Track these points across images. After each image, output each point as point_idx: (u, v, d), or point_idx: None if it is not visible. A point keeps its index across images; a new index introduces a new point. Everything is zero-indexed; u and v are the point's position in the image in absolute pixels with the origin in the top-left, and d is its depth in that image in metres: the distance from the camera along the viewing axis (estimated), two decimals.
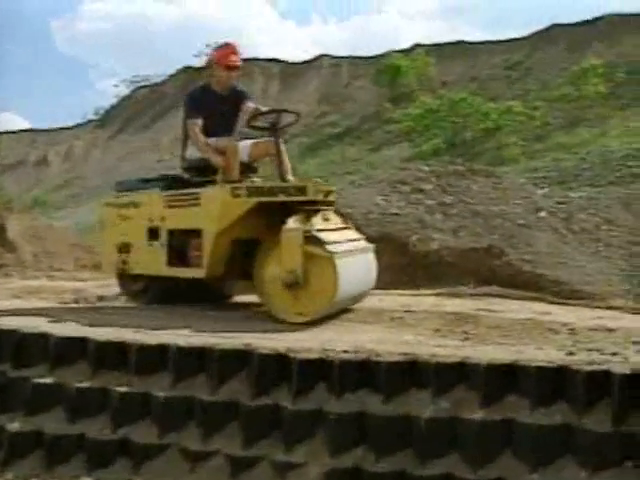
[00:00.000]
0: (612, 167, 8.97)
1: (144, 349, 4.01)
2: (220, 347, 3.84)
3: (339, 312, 4.84)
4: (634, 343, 3.78)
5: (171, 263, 5.32)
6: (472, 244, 6.24)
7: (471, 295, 5.59)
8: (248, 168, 5.56)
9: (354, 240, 5.08)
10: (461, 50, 36.90)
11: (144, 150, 40.46)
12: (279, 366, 3.67)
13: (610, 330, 4.22)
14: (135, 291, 5.89)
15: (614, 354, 3.51)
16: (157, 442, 3.74)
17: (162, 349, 3.97)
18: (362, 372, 3.53)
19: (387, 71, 35.48)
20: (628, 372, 3.20)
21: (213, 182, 5.22)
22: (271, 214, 4.86)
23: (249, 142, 5.55)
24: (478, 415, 3.31)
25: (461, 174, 7.53)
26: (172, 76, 47.11)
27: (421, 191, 7.19)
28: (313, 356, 3.63)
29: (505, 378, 3.36)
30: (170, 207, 5.34)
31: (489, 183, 7.41)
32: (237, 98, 5.71)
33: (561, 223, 6.93)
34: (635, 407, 3.16)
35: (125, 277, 5.87)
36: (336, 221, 5.10)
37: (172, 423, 3.78)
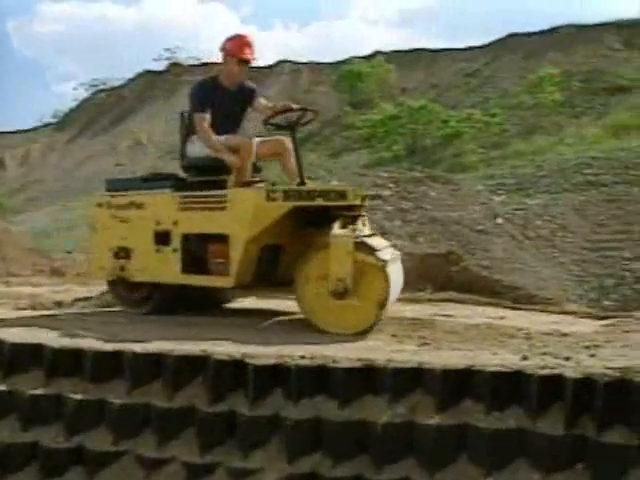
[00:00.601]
0: (567, 175, 9.13)
1: (99, 355, 3.96)
2: (176, 353, 3.81)
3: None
4: (586, 347, 3.84)
5: (187, 271, 4.94)
6: (430, 250, 6.30)
7: (429, 300, 5.64)
8: (252, 168, 5.24)
9: (387, 247, 4.81)
10: (421, 57, 37.18)
11: (103, 154, 40.01)
12: (235, 372, 3.65)
13: (564, 334, 4.29)
14: (134, 300, 5.41)
15: (567, 358, 3.56)
16: (112, 449, 3.70)
17: (118, 355, 3.93)
18: (318, 378, 3.53)
19: (347, 77, 35.59)
20: (580, 376, 3.25)
21: (219, 183, 4.94)
22: (296, 219, 4.64)
23: (257, 140, 5.26)
24: (434, 420, 3.33)
25: (419, 181, 7.59)
26: (132, 80, 46.68)
27: (380, 197, 7.23)
28: (269, 362, 3.62)
29: (460, 383, 3.39)
30: (185, 210, 4.95)
31: (447, 190, 7.48)
32: (245, 95, 5.41)
33: (517, 229, 7.03)
34: (586, 411, 3.22)
35: (121, 284, 5.41)
36: (368, 227, 4.89)
37: (128, 430, 3.74)
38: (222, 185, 4.95)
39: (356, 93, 35.65)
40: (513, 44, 29.72)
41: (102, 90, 51.69)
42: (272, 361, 3.62)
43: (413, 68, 36.70)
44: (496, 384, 3.34)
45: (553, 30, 29.02)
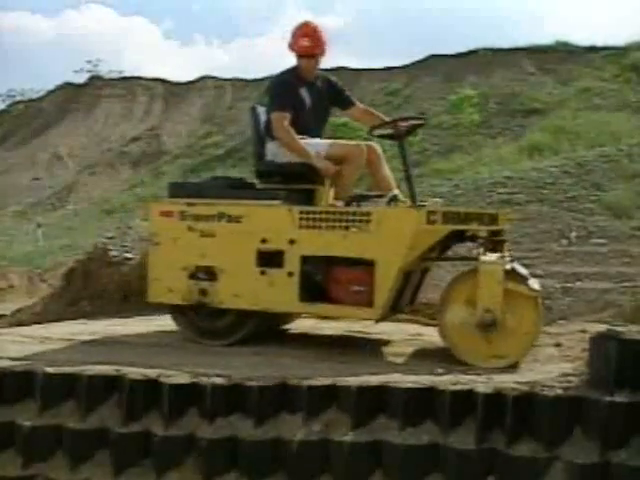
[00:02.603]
0: (483, 193, 9.38)
1: (9, 376, 3.84)
2: (88, 373, 3.73)
3: None
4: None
5: (306, 299, 4.27)
6: None
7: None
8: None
9: (529, 275, 4.29)
10: (342, 76, 37.53)
11: (20, 168, 38.97)
12: (150, 392, 3.60)
13: None
14: (212, 329, 4.58)
15: (478, 374, 3.65)
16: (21, 474, 3.61)
17: (28, 376, 3.82)
18: (233, 396, 3.52)
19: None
20: (490, 391, 3.34)
21: (309, 192, 4.49)
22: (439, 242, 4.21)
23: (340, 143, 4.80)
24: (349, 437, 3.36)
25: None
26: (51, 92, 45.65)
27: None
28: (184, 381, 3.59)
29: (375, 400, 3.44)
30: (307, 227, 4.24)
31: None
32: (329, 87, 4.89)
33: None
34: (497, 425, 3.31)
35: (195, 311, 4.59)
36: (508, 253, 4.36)
37: (38, 453, 3.65)
38: (311, 197, 4.51)
39: None
40: (433, 65, 30.38)
41: (19, 102, 50.44)
42: (187, 380, 3.59)
43: None
44: (410, 400, 3.39)
45: (472, 53, 29.80)
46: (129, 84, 42.55)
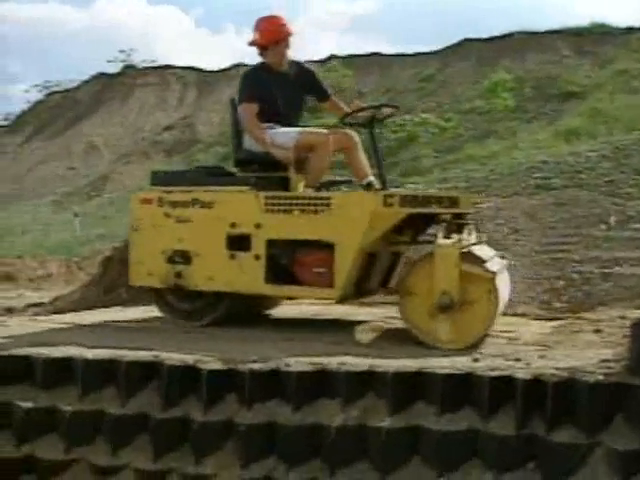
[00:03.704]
0: (519, 178, 9.24)
1: (50, 362, 3.91)
2: (128, 359, 3.78)
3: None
4: (536, 349, 3.90)
5: (272, 280, 4.44)
6: None
7: (382, 304, 5.66)
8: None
9: (494, 257, 4.45)
10: (375, 62, 37.33)
11: (55, 158, 39.43)
12: (188, 377, 3.64)
13: (514, 336, 4.35)
14: (188, 310, 4.83)
15: (517, 360, 3.62)
16: (64, 457, 3.66)
17: (68, 362, 3.88)
18: (271, 382, 3.54)
19: None
20: (530, 377, 3.31)
21: (283, 180, 4.60)
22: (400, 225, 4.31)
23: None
24: (386, 422, 3.35)
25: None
26: (86, 82, 46.09)
27: None
28: (222, 367, 3.61)
29: (412, 385, 3.43)
30: (273, 212, 4.44)
31: None
32: (305, 79, 4.99)
33: None
34: (537, 411, 3.28)
35: (173, 293, 4.82)
36: (475, 235, 4.49)
37: (79, 437, 3.70)
38: (286, 184, 4.61)
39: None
40: (466, 50, 30.07)
41: (55, 92, 50.98)
42: (224, 366, 3.61)
43: (368, 72, 36.87)
44: (447, 386, 3.38)
45: (506, 36, 29.42)
46: (162, 73, 42.76)
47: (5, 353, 4.03)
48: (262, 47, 4.88)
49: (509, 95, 23.21)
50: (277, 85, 4.81)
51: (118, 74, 43.45)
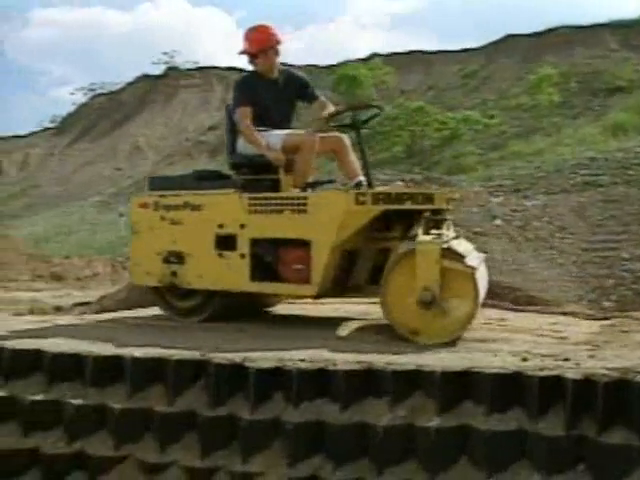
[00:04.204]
0: (565, 175, 9.13)
1: (99, 360, 3.97)
2: (176, 358, 3.81)
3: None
4: (585, 348, 3.84)
5: (256, 278, 4.63)
6: None
7: None
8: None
9: (472, 251, 4.56)
10: (418, 59, 37.22)
11: (101, 159, 40.01)
12: (236, 376, 3.65)
13: (563, 336, 4.29)
14: (185, 308, 5.09)
15: (567, 359, 3.56)
16: (113, 454, 3.70)
17: (117, 360, 3.94)
18: (319, 381, 3.53)
19: (345, 80, 35.62)
20: (580, 377, 3.25)
21: (274, 182, 4.69)
22: (378, 222, 4.44)
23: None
24: (434, 422, 3.33)
25: (418, 183, 7.59)
26: (130, 84, 46.70)
27: None
28: (269, 365, 3.62)
29: (461, 385, 3.39)
30: (255, 212, 4.63)
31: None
32: (294, 85, 5.16)
33: (516, 231, 7.03)
34: (587, 411, 3.22)
35: (170, 292, 5.10)
36: (453, 230, 4.65)
37: (128, 435, 3.74)
38: (277, 185, 4.73)
39: (354, 96, 35.68)
40: (510, 45, 29.76)
41: (100, 94, 51.68)
42: (272, 364, 3.62)
43: (410, 70, 36.75)
44: (496, 386, 3.33)
45: (550, 31, 29.05)
46: (205, 74, 43.11)
47: (56, 351, 4.10)
48: (252, 55, 5.08)
49: (554, 90, 22.90)
50: (267, 91, 5.01)
51: (162, 76, 43.93)
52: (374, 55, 39.53)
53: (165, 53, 44.79)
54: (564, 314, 5.20)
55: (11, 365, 4.16)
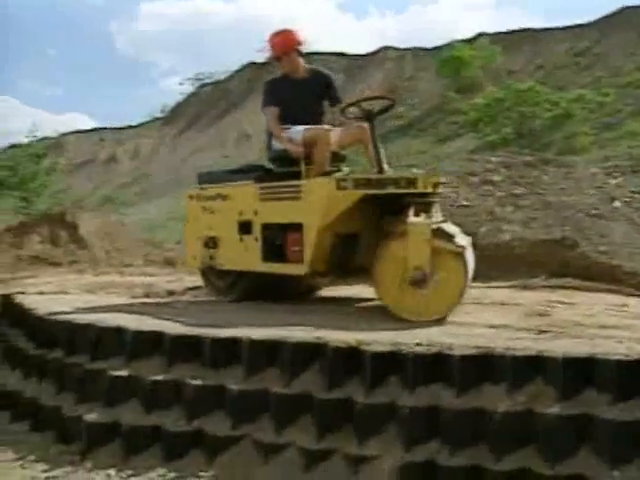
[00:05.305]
0: None
1: (217, 342, 4.07)
2: (292, 340, 3.86)
3: None
4: None
5: (267, 259, 5.12)
6: (544, 236, 6.12)
7: (544, 287, 5.49)
8: (336, 157, 5.33)
9: (460, 233, 4.76)
10: (526, 38, 36.18)
11: (210, 147, 40.93)
12: (351, 359, 3.66)
13: None
14: (222, 287, 5.69)
15: None
16: (231, 434, 3.77)
17: (235, 342, 4.02)
18: (435, 365, 3.49)
19: (451, 62, 35.06)
20: None
21: (298, 173, 5.00)
22: (374, 207, 4.70)
23: (338, 129, 5.35)
24: (555, 409, 3.23)
25: (532, 165, 7.39)
26: (237, 72, 47.52)
27: (491, 182, 7.08)
28: (385, 349, 3.61)
29: (583, 372, 3.28)
30: (265, 200, 5.13)
31: (561, 173, 7.25)
32: (320, 83, 5.53)
33: (636, 213, 6.73)
34: None
35: (210, 273, 5.72)
36: (440, 214, 4.89)
37: (245, 415, 3.81)
38: (300, 176, 5.01)
39: (460, 78, 35.08)
40: (626, 19, 28.48)
41: (207, 84, 52.83)
42: (388, 348, 3.61)
43: (518, 49, 35.79)
44: (620, 373, 3.20)
45: None
46: (308, 59, 43.33)
47: (175, 333, 4.22)
48: (277, 59, 5.53)
49: None
50: (293, 91, 5.40)
51: (267, 63, 44.44)
52: (480, 35, 38.72)
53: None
54: None
55: (133, 346, 4.32)
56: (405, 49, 41.34)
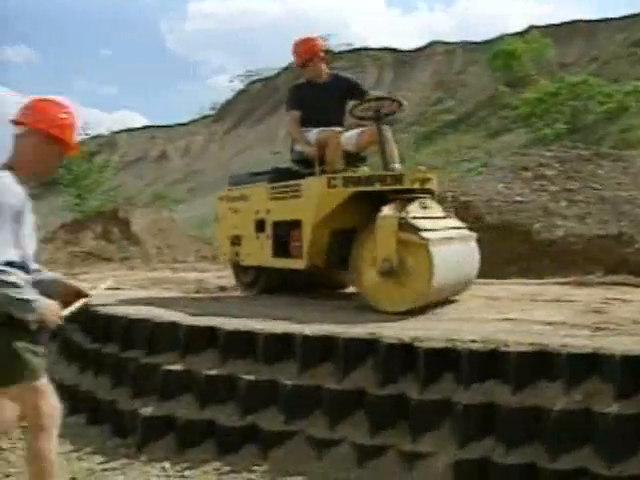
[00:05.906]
0: None
1: (271, 338, 4.09)
2: (345, 336, 3.86)
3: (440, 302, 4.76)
4: None
5: (276, 254, 5.38)
6: (600, 231, 6.02)
7: (600, 284, 5.39)
8: (356, 158, 5.51)
9: (454, 228, 4.93)
10: (578, 30, 35.57)
11: (260, 144, 41.16)
12: (405, 355, 3.66)
13: None
14: (246, 282, 6.06)
15: None
16: (284, 429, 3.80)
17: (288, 338, 4.04)
18: (490, 362, 3.46)
19: (502, 55, 34.61)
20: None
21: (313, 173, 5.16)
22: (369, 204, 4.78)
23: (355, 131, 5.52)
24: (613, 408, 3.17)
25: (586, 159, 7.26)
26: (285, 69, 47.65)
27: (544, 177, 6.98)
28: (439, 345, 3.59)
29: None
30: (275, 199, 5.39)
31: (617, 168, 7.11)
32: (340, 86, 5.71)
33: None
34: None
35: (238, 268, 6.08)
36: (435, 209, 4.95)
37: (299, 410, 3.83)
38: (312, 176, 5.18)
39: (511, 71, 34.62)
40: None
41: (256, 81, 53.12)
42: (442, 345, 3.59)
43: (570, 41, 35.18)
44: None
45: None
46: (358, 56, 43.24)
47: (229, 329, 4.26)
48: (301, 66, 5.76)
49: None
50: (315, 95, 5.62)
51: None
52: (531, 28, 38.14)
53: (318, 36, 45.35)
54: None
55: (187, 341, 4.37)
56: (454, 43, 40.95)
